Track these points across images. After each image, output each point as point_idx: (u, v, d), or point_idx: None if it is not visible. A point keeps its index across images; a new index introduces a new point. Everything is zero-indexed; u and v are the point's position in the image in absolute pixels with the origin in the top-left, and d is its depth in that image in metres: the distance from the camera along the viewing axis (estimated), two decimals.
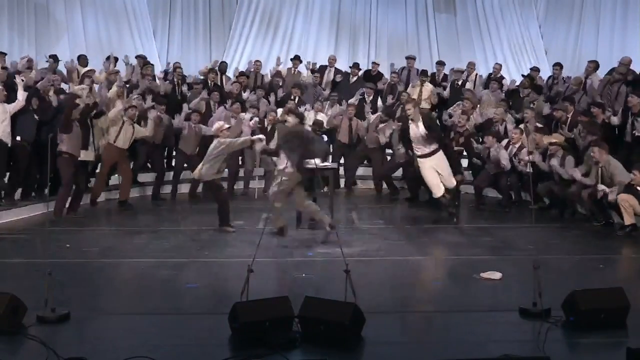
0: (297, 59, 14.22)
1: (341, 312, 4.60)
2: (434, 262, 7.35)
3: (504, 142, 10.46)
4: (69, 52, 14.52)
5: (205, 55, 16.20)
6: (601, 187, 8.50)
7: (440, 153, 8.94)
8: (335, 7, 16.69)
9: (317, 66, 14.12)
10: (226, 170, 10.96)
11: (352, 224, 9.21)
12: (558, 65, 12.92)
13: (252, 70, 14.03)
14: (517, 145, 10.21)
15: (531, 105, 11.34)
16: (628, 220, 8.14)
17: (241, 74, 13.83)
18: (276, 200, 8.03)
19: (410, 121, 8.89)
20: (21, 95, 9.45)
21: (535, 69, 13.54)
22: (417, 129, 8.84)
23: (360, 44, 16.63)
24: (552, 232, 8.58)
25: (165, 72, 13.41)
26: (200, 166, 8.66)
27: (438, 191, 8.96)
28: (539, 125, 10.73)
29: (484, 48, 16.26)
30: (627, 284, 5.40)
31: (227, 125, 8.81)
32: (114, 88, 11.00)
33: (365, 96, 12.82)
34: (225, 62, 14.66)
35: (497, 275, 6.30)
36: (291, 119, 8.28)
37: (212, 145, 8.58)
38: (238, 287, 5.00)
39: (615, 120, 9.72)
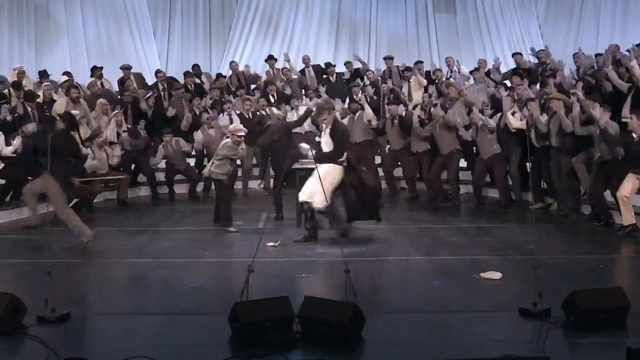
0: (272, 59, 14.29)
1: (341, 312, 4.60)
2: (434, 262, 7.35)
3: (497, 115, 10.51)
4: (68, 52, 14.54)
5: (205, 55, 16.23)
6: (597, 114, 8.57)
7: (329, 168, 7.57)
8: (335, 7, 16.70)
9: (289, 56, 14.37)
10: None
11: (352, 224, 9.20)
12: (542, 51, 13.04)
13: (231, 72, 14.11)
14: (509, 113, 10.17)
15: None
16: (628, 220, 8.14)
17: (219, 76, 13.88)
18: (25, 197, 8.33)
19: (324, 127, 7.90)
20: (10, 149, 9.35)
21: (519, 54, 13.64)
22: (322, 138, 7.87)
23: (360, 44, 16.64)
24: (552, 232, 8.59)
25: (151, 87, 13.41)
26: (209, 164, 8.78)
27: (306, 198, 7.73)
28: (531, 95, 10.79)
29: (484, 48, 16.27)
30: (627, 284, 5.40)
31: (243, 133, 8.76)
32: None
33: (354, 94, 12.85)
34: (198, 65, 14.71)
35: (497, 275, 6.29)
36: (59, 124, 8.07)
37: (222, 144, 8.66)
38: (238, 287, 5.00)
39: (623, 83, 9.87)
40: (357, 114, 11.71)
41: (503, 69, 14.16)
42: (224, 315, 4.75)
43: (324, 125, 7.90)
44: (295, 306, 4.76)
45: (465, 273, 6.53)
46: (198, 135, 11.73)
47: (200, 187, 11.72)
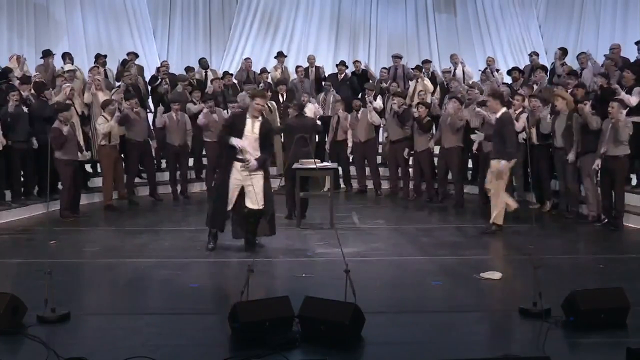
0: (281, 55, 14.32)
1: (341, 312, 4.60)
2: (434, 262, 7.35)
3: None
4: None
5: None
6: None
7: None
8: (335, 7, 16.68)
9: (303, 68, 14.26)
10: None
11: (352, 224, 9.21)
12: (561, 50, 12.91)
13: (244, 68, 14.08)
14: (517, 111, 9.99)
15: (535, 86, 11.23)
16: None
17: (226, 73, 13.88)
18: None
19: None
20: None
21: (535, 54, 13.59)
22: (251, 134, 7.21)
23: (361, 44, 16.63)
24: (552, 232, 8.59)
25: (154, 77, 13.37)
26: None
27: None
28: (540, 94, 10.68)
29: (484, 48, 16.24)
30: (627, 284, 5.41)
31: None
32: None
33: (366, 97, 12.81)
34: (205, 58, 14.77)
35: (497, 275, 6.30)
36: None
37: None
38: (238, 287, 5.00)
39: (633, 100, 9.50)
40: (360, 112, 11.67)
41: (503, 68, 14.16)
42: (224, 315, 4.75)
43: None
44: (295, 306, 4.76)
45: (465, 273, 6.53)
46: (200, 117, 11.56)
47: (198, 188, 11.71)
